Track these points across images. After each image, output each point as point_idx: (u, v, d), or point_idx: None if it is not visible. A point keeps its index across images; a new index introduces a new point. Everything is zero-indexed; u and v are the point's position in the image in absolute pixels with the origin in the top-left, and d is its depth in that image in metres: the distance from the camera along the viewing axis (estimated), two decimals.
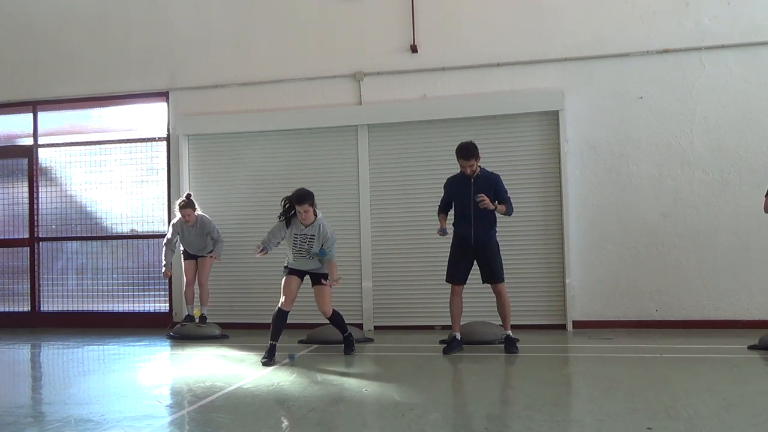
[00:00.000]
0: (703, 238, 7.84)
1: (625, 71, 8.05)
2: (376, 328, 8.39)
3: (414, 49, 8.52)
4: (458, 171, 6.78)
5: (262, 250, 6.41)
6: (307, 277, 6.62)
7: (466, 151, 6.58)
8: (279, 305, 6.42)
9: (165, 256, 8.34)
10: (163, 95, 9.26)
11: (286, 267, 6.60)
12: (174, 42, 9.21)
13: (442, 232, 6.73)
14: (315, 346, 7.31)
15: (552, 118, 8.12)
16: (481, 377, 5.89)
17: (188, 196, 8.29)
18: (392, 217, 8.52)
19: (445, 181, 6.95)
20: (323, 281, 6.46)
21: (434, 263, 8.25)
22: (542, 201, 8.14)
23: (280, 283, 6.55)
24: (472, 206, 6.58)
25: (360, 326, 8.29)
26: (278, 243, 6.56)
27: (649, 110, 7.99)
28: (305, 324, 8.15)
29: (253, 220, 8.82)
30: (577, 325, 7.97)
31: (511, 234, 7.72)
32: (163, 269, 8.34)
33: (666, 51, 7.97)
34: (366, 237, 8.51)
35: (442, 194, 6.94)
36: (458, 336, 6.78)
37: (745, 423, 4.13)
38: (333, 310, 6.65)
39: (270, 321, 6.47)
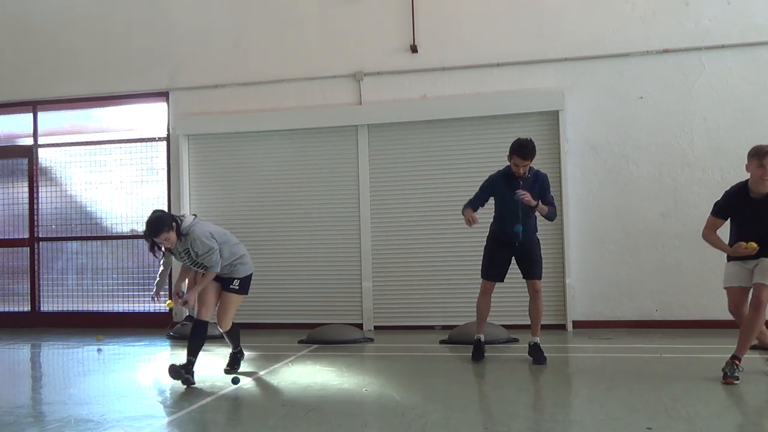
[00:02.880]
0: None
1: (625, 71, 8.06)
2: (376, 328, 8.39)
3: (414, 49, 8.52)
4: (504, 167, 6.21)
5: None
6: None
7: (527, 151, 5.94)
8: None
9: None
10: (163, 95, 9.26)
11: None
12: (174, 42, 9.21)
13: (472, 221, 6.03)
14: (315, 346, 7.31)
15: (552, 118, 8.11)
16: (481, 377, 5.89)
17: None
18: (392, 217, 8.51)
19: (487, 178, 6.27)
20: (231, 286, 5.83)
21: (434, 263, 8.27)
22: None
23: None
24: (521, 206, 6.02)
25: (360, 326, 8.29)
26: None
27: (649, 110, 7.99)
28: (305, 324, 8.17)
29: (253, 219, 8.82)
30: (577, 325, 7.97)
31: None
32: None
33: (666, 51, 7.97)
34: (366, 237, 8.51)
35: (478, 191, 6.23)
36: (483, 338, 6.34)
37: (745, 423, 4.13)
38: (234, 324, 6.03)
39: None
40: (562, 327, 7.97)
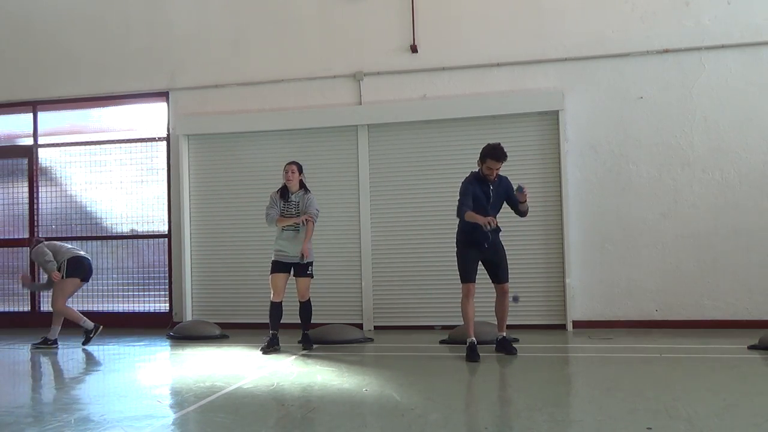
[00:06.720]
0: (703, 238, 7.84)
1: (625, 71, 8.06)
2: (376, 328, 8.39)
3: (414, 49, 8.52)
4: (471, 172, 6.42)
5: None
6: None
7: (500, 153, 6.18)
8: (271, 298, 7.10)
9: None
10: (163, 95, 9.26)
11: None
12: (174, 42, 9.22)
13: (490, 225, 6.05)
14: (315, 346, 7.30)
15: (552, 118, 8.12)
16: (481, 377, 5.89)
17: None
18: (392, 217, 8.52)
19: (464, 182, 6.40)
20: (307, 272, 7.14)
21: (434, 263, 8.27)
22: (542, 201, 8.13)
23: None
24: (490, 210, 6.31)
25: (360, 326, 8.29)
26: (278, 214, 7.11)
27: (649, 110, 7.99)
28: None
29: (253, 220, 8.80)
30: (577, 325, 7.97)
31: (511, 234, 7.70)
32: None
33: (666, 51, 7.98)
34: (366, 237, 8.51)
35: (463, 196, 6.30)
36: (475, 341, 6.34)
37: (745, 423, 4.13)
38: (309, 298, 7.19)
39: (267, 322, 6.81)
40: (562, 327, 7.97)
